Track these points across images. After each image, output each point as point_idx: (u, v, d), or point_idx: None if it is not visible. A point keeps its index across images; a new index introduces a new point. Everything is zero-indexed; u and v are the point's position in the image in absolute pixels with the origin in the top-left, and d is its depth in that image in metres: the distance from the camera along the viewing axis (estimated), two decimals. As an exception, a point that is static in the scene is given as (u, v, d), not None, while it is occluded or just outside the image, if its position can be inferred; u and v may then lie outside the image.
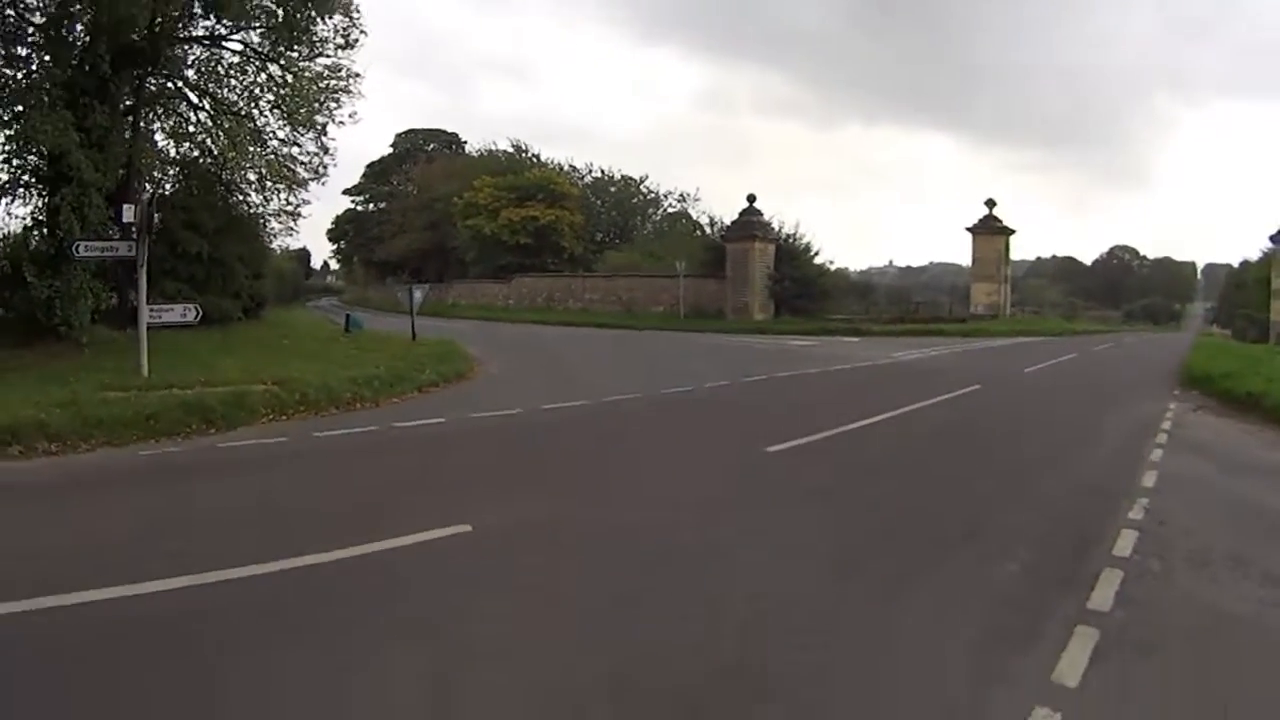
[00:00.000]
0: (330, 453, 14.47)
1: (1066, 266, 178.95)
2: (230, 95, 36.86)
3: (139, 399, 16.84)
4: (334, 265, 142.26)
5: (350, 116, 38.73)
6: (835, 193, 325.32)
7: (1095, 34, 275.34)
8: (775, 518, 10.21)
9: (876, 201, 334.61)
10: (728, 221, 60.50)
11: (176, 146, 37.84)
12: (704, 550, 8.93)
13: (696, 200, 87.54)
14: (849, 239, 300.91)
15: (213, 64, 36.22)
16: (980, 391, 22.78)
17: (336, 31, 36.14)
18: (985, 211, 62.40)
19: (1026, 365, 30.95)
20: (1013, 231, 63.24)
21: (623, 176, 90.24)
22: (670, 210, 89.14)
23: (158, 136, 37.73)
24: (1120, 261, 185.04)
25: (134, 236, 20.62)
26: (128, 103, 31.98)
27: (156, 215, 24.13)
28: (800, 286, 56.35)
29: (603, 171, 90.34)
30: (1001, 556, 8.75)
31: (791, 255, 57.45)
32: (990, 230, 62.07)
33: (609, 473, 12.83)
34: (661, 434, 16.56)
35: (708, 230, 67.87)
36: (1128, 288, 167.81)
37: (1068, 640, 6.72)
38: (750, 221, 56.71)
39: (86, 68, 26.66)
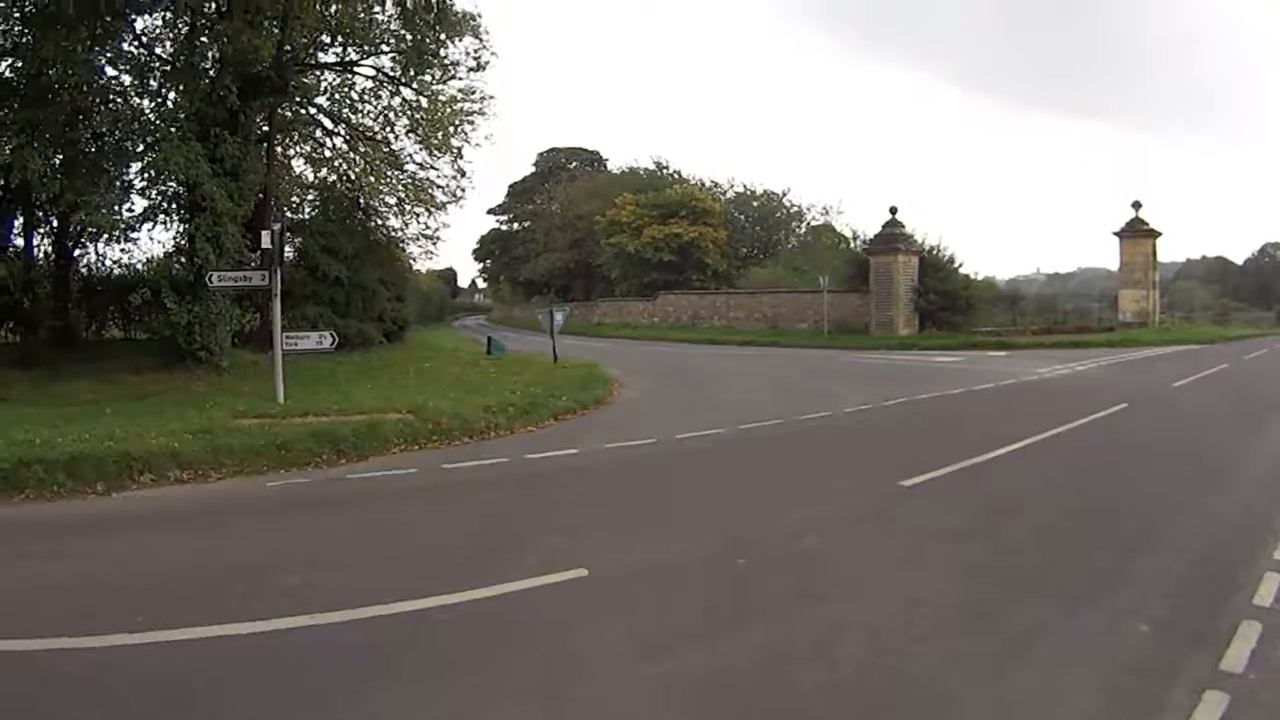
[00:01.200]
0: (457, 486, 14.53)
1: (1217, 267, 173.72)
2: (365, 120, 37.95)
3: (272, 427, 17.19)
4: (481, 284, 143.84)
5: (486, 138, 39.70)
6: (983, 197, 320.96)
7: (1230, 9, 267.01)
8: (901, 561, 9.90)
9: (1024, 205, 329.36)
10: (870, 234, 59.33)
11: (314, 172, 38.85)
12: (826, 595, 8.73)
13: (840, 212, 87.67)
14: (997, 246, 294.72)
15: (345, 90, 37.10)
16: (1125, 412, 21.88)
17: (467, 54, 36.75)
18: (1132, 214, 60.21)
19: (1175, 379, 29.75)
20: (1160, 234, 60.97)
21: (765, 191, 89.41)
22: (814, 223, 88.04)
23: (296, 163, 38.56)
24: (1273, 259, 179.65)
25: (268, 265, 20.70)
26: (263, 129, 32.60)
27: (297, 240, 24.33)
28: (945, 299, 54.90)
29: (745, 186, 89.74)
30: (1136, 608, 8.35)
31: (935, 267, 55.99)
32: (1137, 234, 59.85)
33: (733, 512, 12.43)
34: (793, 467, 16.16)
35: (851, 243, 66.35)
36: None
37: (1194, 709, 6.39)
38: (893, 234, 55.69)
39: (215, 99, 27.13)
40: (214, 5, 27.95)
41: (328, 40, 33.65)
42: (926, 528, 11.24)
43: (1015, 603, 8.48)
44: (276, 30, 29.46)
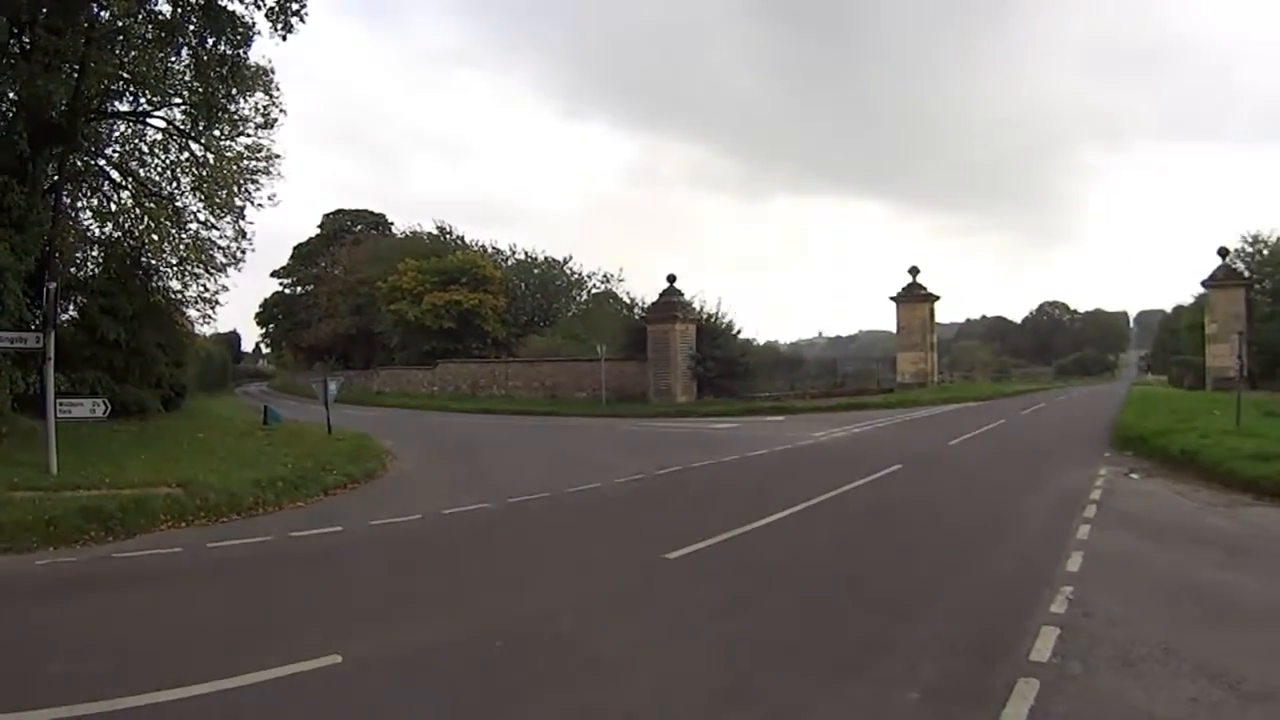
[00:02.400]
0: (220, 567, 13.85)
1: (996, 326, 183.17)
2: (152, 174, 36.72)
3: (43, 501, 16.63)
4: (265, 349, 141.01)
5: (270, 199, 38.69)
6: (765, 264, 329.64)
7: (1022, 91, 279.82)
8: (662, 639, 9.57)
9: (806, 272, 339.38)
10: (649, 302, 59.57)
11: (100, 227, 37.33)
12: (582, 678, 8.40)
13: (620, 280, 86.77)
14: (779, 311, 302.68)
15: (136, 141, 36.09)
16: (900, 473, 22.19)
17: (257, 110, 36.58)
18: (909, 279, 63.28)
19: (952, 437, 30.70)
20: (937, 298, 64.06)
21: (546, 258, 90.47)
22: (594, 291, 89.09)
23: (83, 215, 37.11)
24: (1050, 317, 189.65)
25: (43, 326, 19.99)
26: (53, 179, 31.54)
27: (80, 299, 23.36)
28: (723, 366, 55.62)
29: (526, 253, 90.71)
30: (907, 675, 8.15)
31: (713, 334, 56.77)
32: (914, 298, 62.82)
33: (494, 590, 12.08)
34: (557, 542, 15.84)
35: (631, 312, 66.21)
36: (1059, 342, 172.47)
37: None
38: (671, 302, 56.13)
39: (5, 145, 26.08)
40: (17, 45, 26.99)
41: (120, 88, 32.65)
42: (689, 602, 10.99)
43: (778, 679, 8.20)
44: (74, 76, 28.43)
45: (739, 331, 59.47)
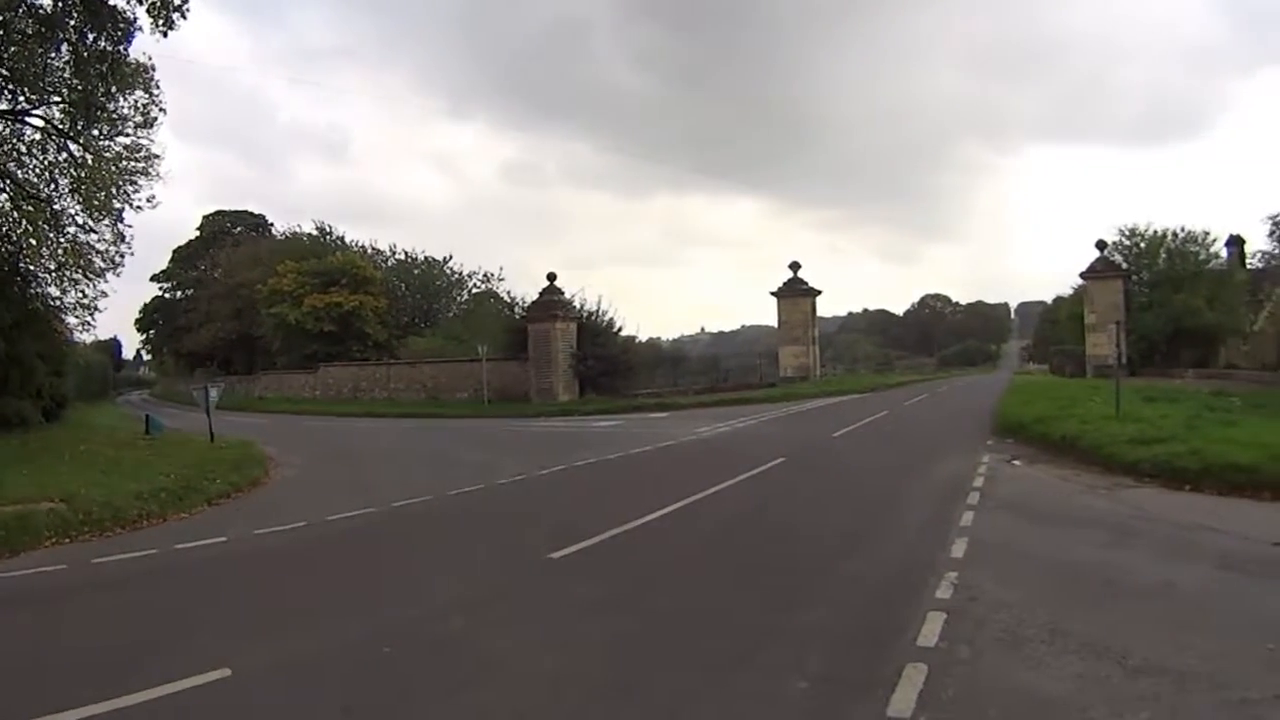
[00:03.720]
0: (106, 583, 13.47)
1: (879, 319, 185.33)
2: (30, 176, 35.31)
3: None
4: (146, 355, 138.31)
5: (149, 201, 37.50)
6: (646, 262, 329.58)
7: (903, 88, 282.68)
8: (548, 637, 9.53)
9: (687, 269, 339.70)
10: (530, 301, 59.22)
11: (-21, 230, 36.16)
12: (471, 680, 8.37)
13: (501, 280, 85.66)
14: (661, 309, 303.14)
15: (14, 141, 34.79)
16: (784, 465, 22.31)
17: (136, 108, 35.37)
18: (790, 275, 63.43)
19: (835, 430, 30.89)
20: (819, 292, 64.36)
21: (426, 258, 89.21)
22: (475, 291, 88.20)
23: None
24: (932, 310, 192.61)
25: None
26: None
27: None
28: (605, 364, 55.47)
29: (406, 253, 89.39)
30: (794, 665, 8.13)
31: (594, 332, 56.48)
32: (795, 293, 63.02)
33: (382, 595, 11.93)
34: (443, 544, 15.76)
35: (512, 311, 65.75)
36: (942, 333, 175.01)
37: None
38: (551, 300, 55.99)
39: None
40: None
41: (-2, 85, 31.84)
42: (574, 600, 10.97)
43: (666, 673, 8.23)
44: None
45: (620, 329, 59.06)
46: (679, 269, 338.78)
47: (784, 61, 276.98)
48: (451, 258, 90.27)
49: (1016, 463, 21.25)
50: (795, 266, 63.14)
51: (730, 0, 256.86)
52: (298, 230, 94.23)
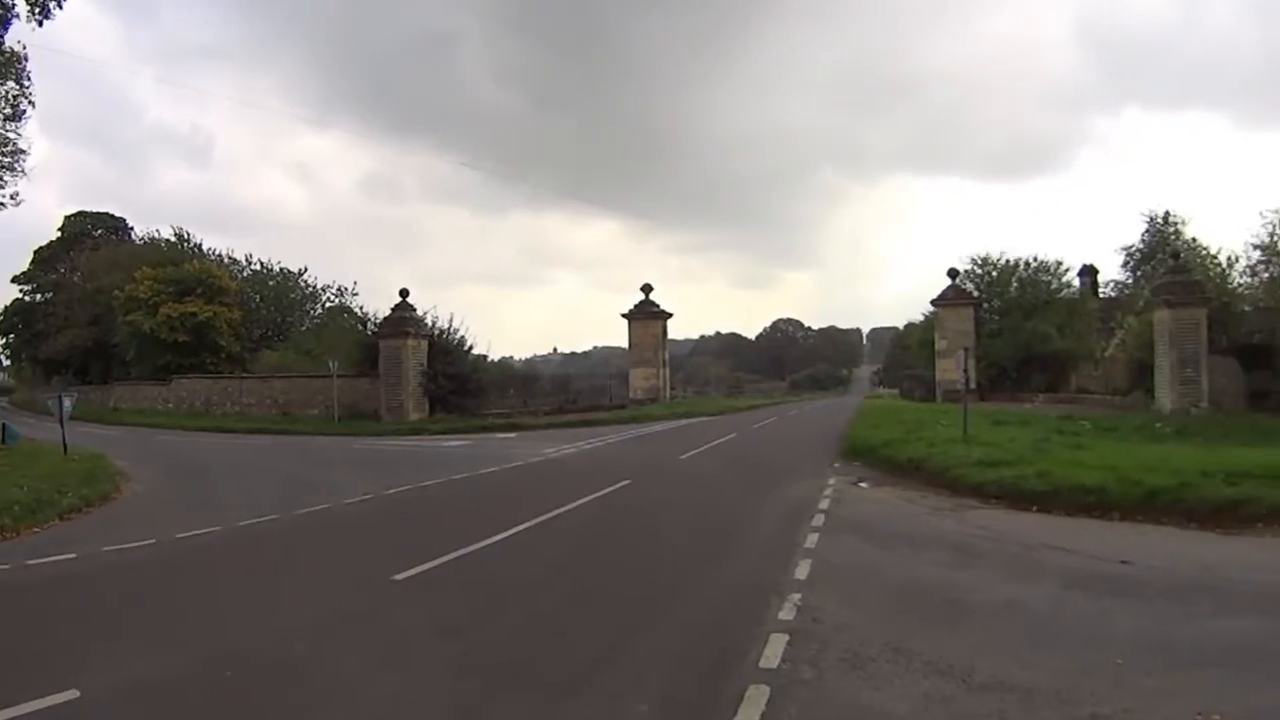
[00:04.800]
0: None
1: (731, 342, 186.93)
2: None
3: None
4: (5, 361, 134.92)
5: (13, 198, 36.03)
6: (503, 280, 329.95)
7: (764, 116, 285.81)
8: (389, 661, 9.25)
9: (542, 288, 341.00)
10: (383, 317, 57.87)
11: None
12: (313, 704, 8.16)
13: (355, 294, 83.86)
14: (514, 328, 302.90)
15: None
16: (630, 487, 22.13)
17: (5, 100, 33.69)
18: (642, 297, 63.59)
19: (683, 451, 30.82)
20: (670, 315, 64.54)
21: (282, 269, 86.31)
22: (329, 305, 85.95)
23: None
24: (784, 334, 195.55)
25: None
26: None
27: None
28: (456, 383, 54.78)
29: (262, 264, 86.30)
30: (636, 688, 8.03)
31: (445, 350, 55.72)
32: (647, 315, 63.17)
33: (226, 617, 11.38)
34: (287, 566, 15.25)
35: (365, 327, 63.76)
36: (793, 358, 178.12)
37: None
38: (403, 317, 54.95)
39: None
40: None
41: None
42: (418, 623, 10.76)
43: (508, 696, 8.08)
44: None
45: (471, 348, 58.45)
46: (534, 288, 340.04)
47: (647, 85, 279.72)
48: (307, 270, 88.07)
49: (863, 485, 21.39)
50: (647, 289, 63.52)
51: (595, 21, 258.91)
52: (156, 235, 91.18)
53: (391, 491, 22.84)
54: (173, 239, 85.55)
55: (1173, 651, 8.74)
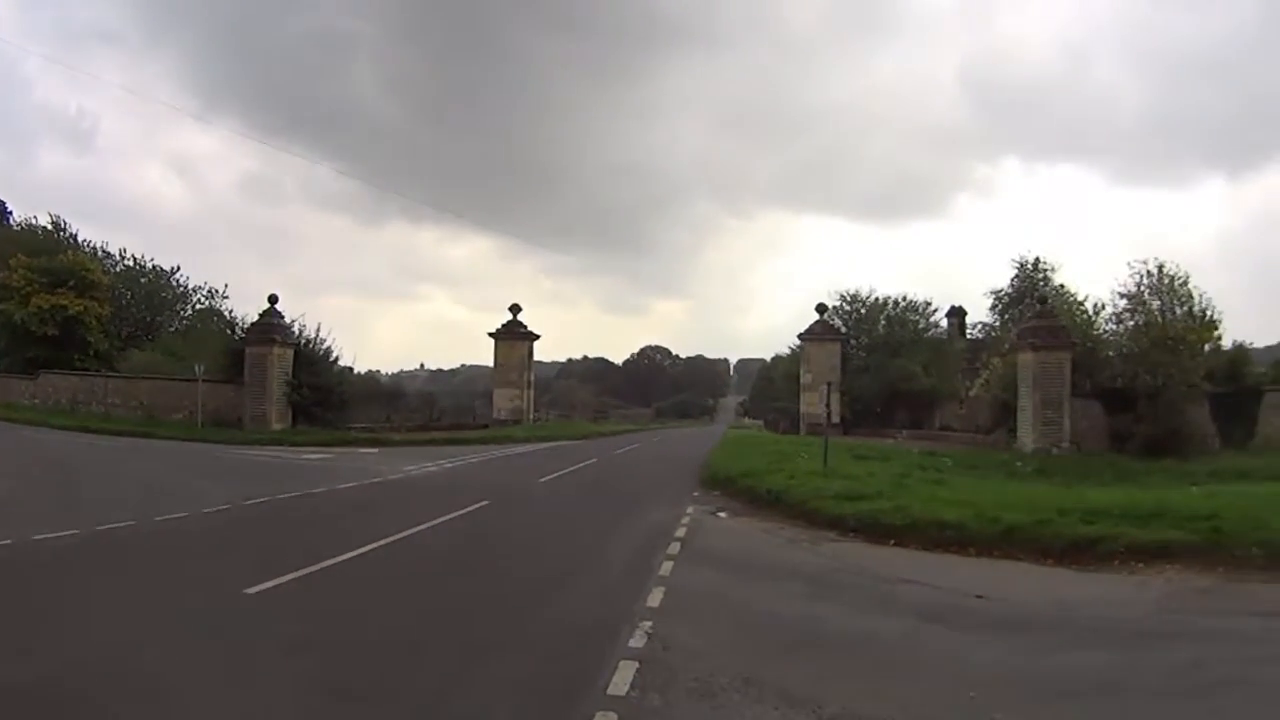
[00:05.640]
0: None
1: (597, 367, 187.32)
2: None
3: None
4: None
5: None
6: (375, 291, 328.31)
7: (646, 144, 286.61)
8: (236, 677, 8.97)
9: (413, 302, 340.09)
10: (251, 322, 56.75)
11: None
12: (155, 717, 7.89)
13: (225, 297, 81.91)
14: (384, 341, 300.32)
15: None
16: (487, 509, 21.93)
17: None
18: (510, 317, 63.69)
19: (542, 475, 30.84)
20: (537, 336, 64.78)
21: (154, 266, 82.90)
22: (199, 307, 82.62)
23: None
24: (651, 361, 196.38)
25: None
26: None
27: None
28: (319, 394, 53.68)
29: (135, 259, 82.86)
30: (484, 713, 7.93)
31: (310, 360, 54.55)
32: (513, 336, 63.34)
33: (70, 626, 10.83)
34: (139, 574, 14.59)
35: (233, 331, 62.22)
36: (660, 385, 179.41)
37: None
38: (270, 324, 53.80)
39: None
40: None
41: None
42: (265, 639, 10.51)
43: (352, 717, 7.93)
44: None
45: (337, 359, 57.52)
46: (405, 303, 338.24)
47: (530, 106, 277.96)
48: (179, 269, 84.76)
49: (721, 515, 21.44)
50: (515, 309, 63.66)
51: (490, 37, 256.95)
52: (34, 222, 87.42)
53: (249, 503, 22.35)
54: (49, 226, 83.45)
55: (1027, 685, 8.85)
